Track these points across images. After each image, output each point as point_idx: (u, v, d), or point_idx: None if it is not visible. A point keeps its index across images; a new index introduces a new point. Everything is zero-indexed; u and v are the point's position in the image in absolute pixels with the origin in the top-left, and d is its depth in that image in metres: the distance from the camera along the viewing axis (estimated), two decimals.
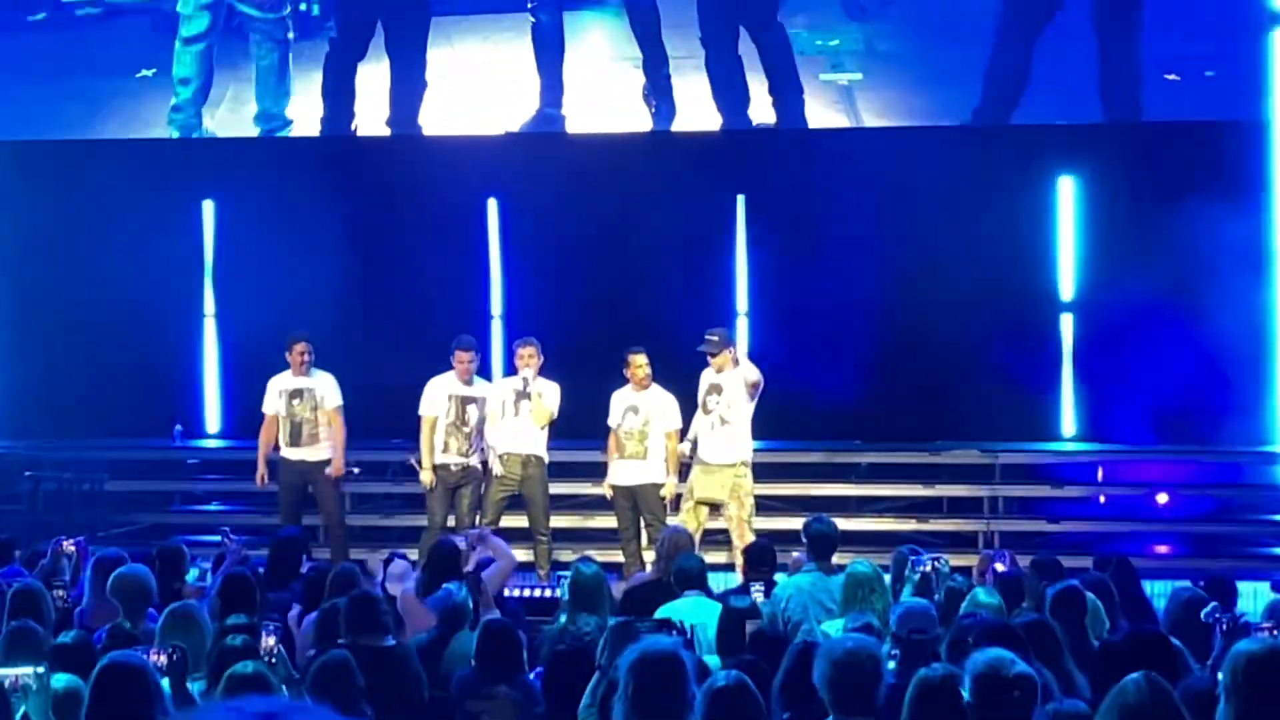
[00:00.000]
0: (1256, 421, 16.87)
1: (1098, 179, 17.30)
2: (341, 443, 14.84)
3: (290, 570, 11.59)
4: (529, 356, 14.51)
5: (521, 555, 13.50)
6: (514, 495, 14.63)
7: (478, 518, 14.36)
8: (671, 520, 14.28)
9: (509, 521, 14.66)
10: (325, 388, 14.88)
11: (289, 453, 14.83)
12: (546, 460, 14.66)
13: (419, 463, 14.74)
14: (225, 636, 8.17)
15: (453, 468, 14.69)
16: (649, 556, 14.69)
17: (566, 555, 14.59)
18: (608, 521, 15.04)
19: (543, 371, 14.63)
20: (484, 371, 16.05)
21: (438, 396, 14.71)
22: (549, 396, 14.52)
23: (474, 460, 14.68)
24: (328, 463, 14.84)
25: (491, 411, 14.64)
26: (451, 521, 14.56)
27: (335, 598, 9.62)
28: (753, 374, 14.30)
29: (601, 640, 7.74)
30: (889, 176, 17.19)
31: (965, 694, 5.89)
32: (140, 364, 17.81)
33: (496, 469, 14.56)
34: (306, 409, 14.81)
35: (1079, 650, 8.56)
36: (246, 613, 9.02)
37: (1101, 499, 16.75)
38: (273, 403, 14.90)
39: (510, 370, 15.22)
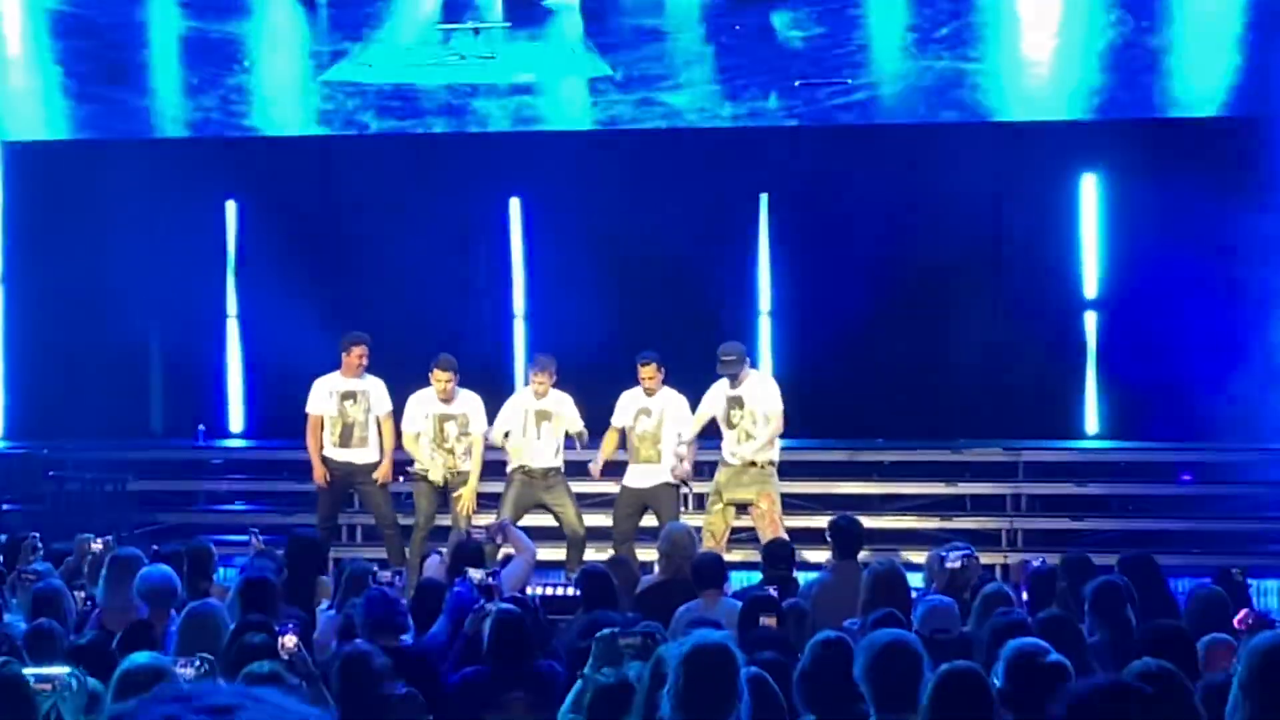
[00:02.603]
0: None
1: (1121, 175, 17.24)
2: (391, 448, 14.75)
3: (310, 572, 11.56)
4: (541, 383, 14.47)
5: (545, 554, 13.51)
6: (532, 496, 14.56)
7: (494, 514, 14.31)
8: (701, 519, 14.27)
9: (535, 520, 14.64)
10: (378, 392, 14.78)
11: (335, 454, 14.69)
12: (562, 468, 14.66)
13: (414, 469, 14.72)
14: (241, 635, 8.15)
15: (436, 479, 14.64)
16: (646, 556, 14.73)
17: (589, 554, 14.59)
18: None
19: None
20: (507, 371, 16.04)
21: (416, 415, 14.64)
22: (568, 414, 14.50)
23: (464, 465, 14.62)
24: (373, 465, 14.77)
25: (511, 428, 14.56)
26: (447, 522, 14.50)
27: (351, 596, 9.63)
28: (778, 401, 14.31)
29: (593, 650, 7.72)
30: (912, 174, 17.15)
31: (998, 680, 5.89)
32: (164, 364, 17.83)
33: (515, 480, 14.55)
34: (359, 411, 14.70)
35: (1122, 642, 8.51)
36: (266, 613, 9.00)
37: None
38: (321, 403, 14.72)
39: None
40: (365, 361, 14.67)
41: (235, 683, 7.06)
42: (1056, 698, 5.85)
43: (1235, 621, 8.76)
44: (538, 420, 14.52)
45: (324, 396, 14.72)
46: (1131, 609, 9.44)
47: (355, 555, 14.28)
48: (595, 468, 14.69)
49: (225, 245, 18.73)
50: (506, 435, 14.53)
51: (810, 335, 17.54)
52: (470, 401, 14.68)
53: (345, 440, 14.68)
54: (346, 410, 14.68)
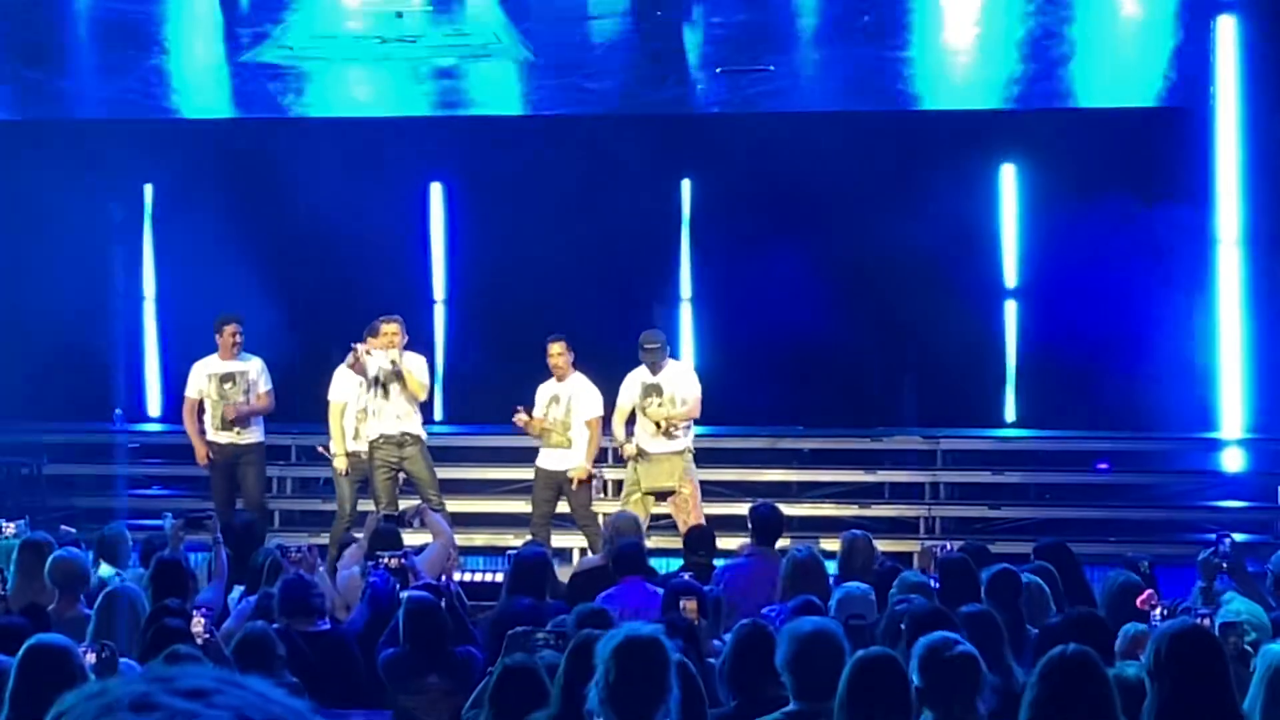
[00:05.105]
0: (1199, 407, 16.92)
1: (1042, 165, 17.32)
2: (262, 412, 14.74)
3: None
4: (394, 335, 14.14)
5: (464, 540, 13.49)
6: (398, 472, 14.37)
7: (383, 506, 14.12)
8: (610, 507, 14.25)
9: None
10: (257, 372, 14.75)
11: (219, 436, 14.67)
12: (424, 437, 14.44)
13: (329, 449, 14.59)
14: (157, 619, 8.12)
15: (364, 455, 14.51)
16: (565, 541, 14.68)
17: (508, 540, 14.58)
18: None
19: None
20: (427, 355, 15.95)
21: (347, 383, 14.52)
22: (418, 370, 14.34)
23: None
24: (257, 445, 14.73)
25: (353, 397, 14.34)
26: (370, 507, 14.38)
27: (269, 584, 9.61)
28: (698, 387, 14.29)
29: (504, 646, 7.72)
30: (834, 162, 17.17)
31: (915, 678, 5.86)
32: (80, 348, 17.68)
33: (375, 456, 14.22)
34: (239, 392, 14.65)
35: (1015, 635, 8.58)
36: (179, 597, 8.98)
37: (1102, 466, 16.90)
38: (199, 385, 14.72)
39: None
40: (240, 340, 14.64)
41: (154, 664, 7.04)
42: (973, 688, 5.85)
43: (1139, 602, 8.84)
44: (386, 383, 14.17)
45: (201, 379, 14.71)
46: (1054, 596, 9.51)
47: (275, 540, 14.17)
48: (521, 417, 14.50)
49: (142, 228, 18.60)
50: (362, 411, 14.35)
51: (730, 322, 17.57)
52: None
53: (228, 423, 14.64)
54: (226, 392, 14.64)
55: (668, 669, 5.64)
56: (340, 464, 14.48)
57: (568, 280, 17.19)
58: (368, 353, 14.09)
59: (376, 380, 14.16)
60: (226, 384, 14.66)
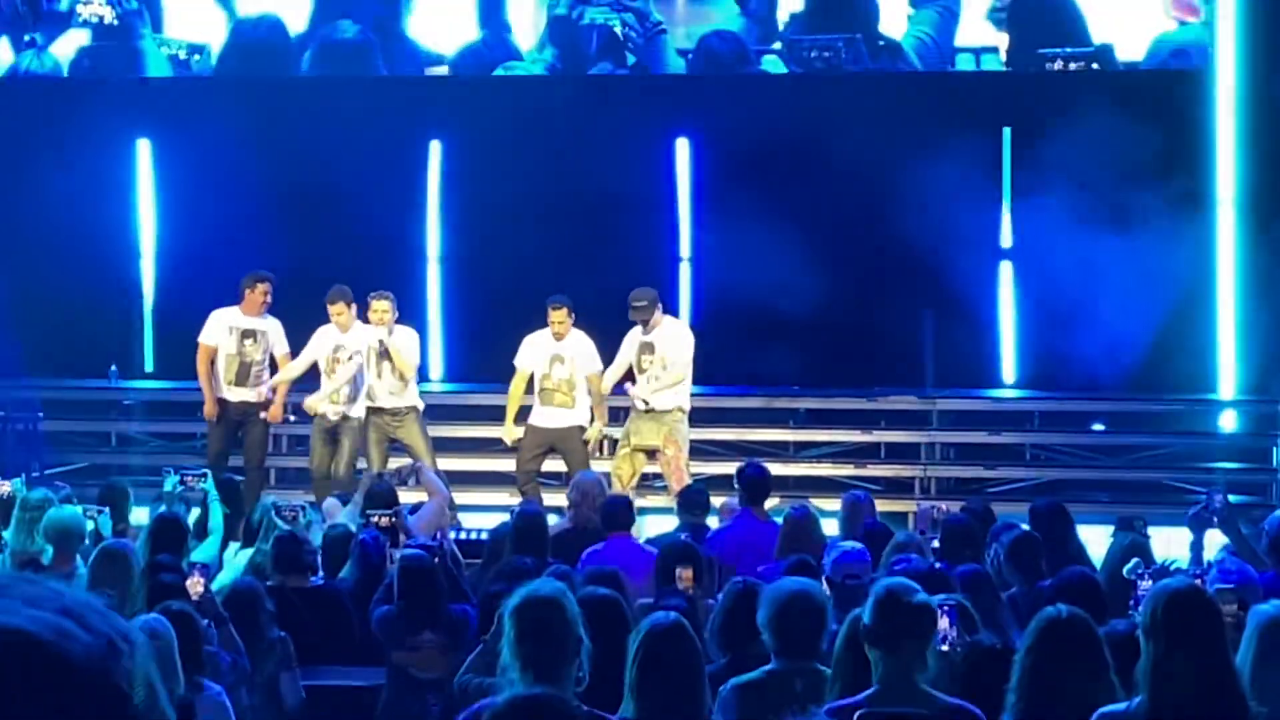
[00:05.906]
0: (1198, 368, 16.91)
1: (1038, 126, 17.27)
2: (286, 389, 14.71)
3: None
4: (384, 312, 14.26)
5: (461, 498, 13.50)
6: (390, 439, 14.45)
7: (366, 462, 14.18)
8: (607, 465, 14.26)
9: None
10: (277, 333, 14.74)
11: (231, 392, 14.65)
12: (420, 406, 14.54)
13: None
14: (153, 574, 8.14)
15: (330, 416, 14.54)
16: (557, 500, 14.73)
17: (502, 498, 14.60)
18: (544, 465, 14.91)
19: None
20: (420, 315, 16.00)
21: (316, 346, 14.60)
22: (407, 349, 14.39)
23: (352, 411, 14.50)
24: (266, 405, 14.73)
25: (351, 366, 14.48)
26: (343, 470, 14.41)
27: (264, 541, 9.64)
28: (686, 349, 14.28)
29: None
30: (831, 122, 17.13)
31: (865, 617, 5.88)
32: (77, 304, 17.66)
33: (369, 422, 14.40)
34: (258, 351, 14.66)
35: (1031, 594, 8.61)
36: (175, 552, 9.00)
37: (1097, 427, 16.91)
38: (218, 336, 14.67)
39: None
40: (269, 300, 14.64)
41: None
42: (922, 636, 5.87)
43: (1124, 572, 8.84)
44: (378, 360, 14.36)
45: (221, 331, 14.69)
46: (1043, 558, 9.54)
47: (270, 497, 14.17)
48: (509, 435, 14.56)
49: (137, 184, 18.57)
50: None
51: (728, 282, 17.53)
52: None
53: (242, 379, 14.64)
54: (246, 349, 14.63)
55: (570, 626, 5.62)
56: (275, 412, 14.57)
57: (565, 239, 17.16)
58: (350, 357, 14.19)
59: (378, 354, 14.26)
60: (247, 340, 14.64)
